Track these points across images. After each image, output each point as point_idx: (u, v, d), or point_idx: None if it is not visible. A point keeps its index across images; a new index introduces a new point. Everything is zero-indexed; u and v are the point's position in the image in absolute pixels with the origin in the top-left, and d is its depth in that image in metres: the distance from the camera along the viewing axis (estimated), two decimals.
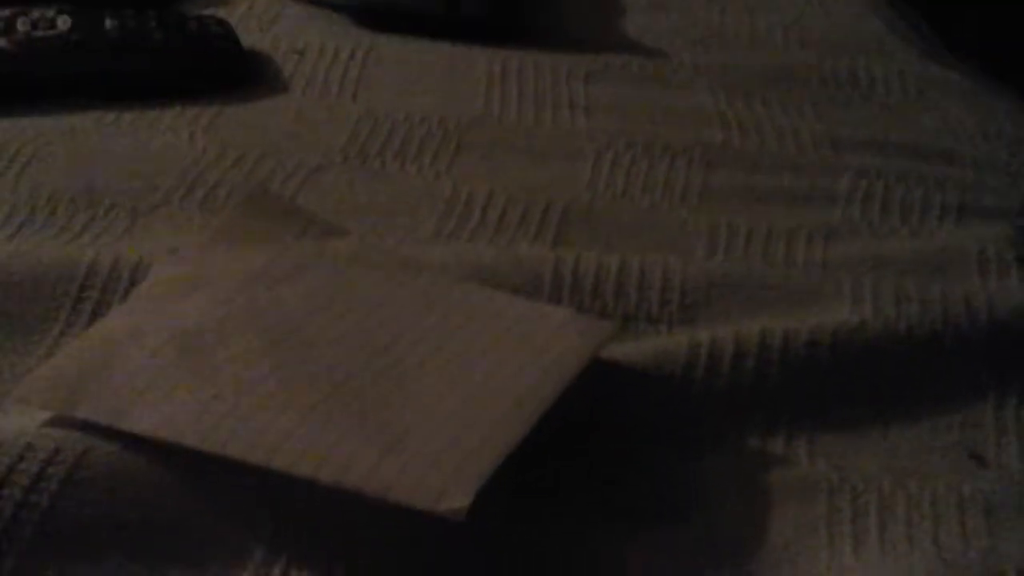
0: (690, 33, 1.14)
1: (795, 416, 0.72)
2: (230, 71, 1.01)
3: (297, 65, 1.04)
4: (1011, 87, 1.06)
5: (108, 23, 0.99)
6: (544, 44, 1.11)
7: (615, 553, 0.64)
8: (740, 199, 0.91)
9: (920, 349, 0.76)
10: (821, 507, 0.67)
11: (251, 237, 0.79)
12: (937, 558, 0.62)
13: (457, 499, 0.59)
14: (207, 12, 1.08)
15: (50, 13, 0.99)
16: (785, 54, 1.12)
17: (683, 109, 1.01)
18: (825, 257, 0.85)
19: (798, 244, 0.86)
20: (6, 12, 0.99)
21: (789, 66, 1.10)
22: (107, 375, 0.65)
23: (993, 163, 0.97)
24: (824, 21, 1.18)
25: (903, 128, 1.01)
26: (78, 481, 0.60)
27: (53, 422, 0.63)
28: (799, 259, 0.84)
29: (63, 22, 0.98)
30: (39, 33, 0.97)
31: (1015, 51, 1.10)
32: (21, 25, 0.98)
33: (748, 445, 0.71)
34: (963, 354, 0.76)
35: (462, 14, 1.12)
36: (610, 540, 0.65)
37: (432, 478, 0.60)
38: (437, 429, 0.64)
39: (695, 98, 1.03)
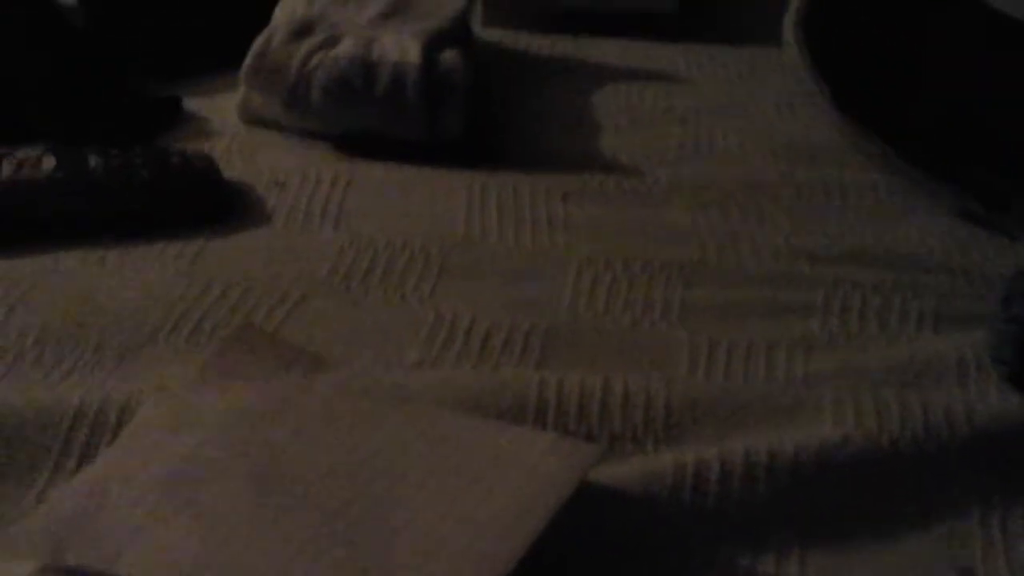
0: (663, 150, 1.16)
1: (784, 533, 0.73)
2: (213, 205, 1.02)
3: (279, 196, 1.05)
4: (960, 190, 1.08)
5: (93, 162, 1.00)
6: (520, 164, 1.13)
7: None
8: (719, 314, 0.92)
9: (903, 462, 0.77)
10: None
11: (237, 373, 0.79)
12: None
13: None
14: (190, 146, 1.10)
15: (35, 153, 1.00)
16: (757, 167, 1.14)
17: (659, 226, 1.03)
18: (806, 370, 0.86)
19: (778, 358, 0.87)
20: None
21: (762, 178, 1.11)
22: (96, 521, 0.65)
23: (966, 269, 0.98)
24: (793, 132, 1.20)
25: (877, 237, 1.03)
26: None
27: (44, 569, 0.63)
28: (780, 373, 0.85)
29: (48, 162, 1.00)
30: (25, 174, 0.99)
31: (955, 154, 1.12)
32: (7, 167, 0.99)
33: (738, 564, 0.71)
34: (946, 465, 0.77)
35: (440, 139, 1.14)
36: None
37: None
38: (427, 562, 0.64)
39: (671, 215, 1.05)
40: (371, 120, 1.14)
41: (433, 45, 1.17)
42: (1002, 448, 0.79)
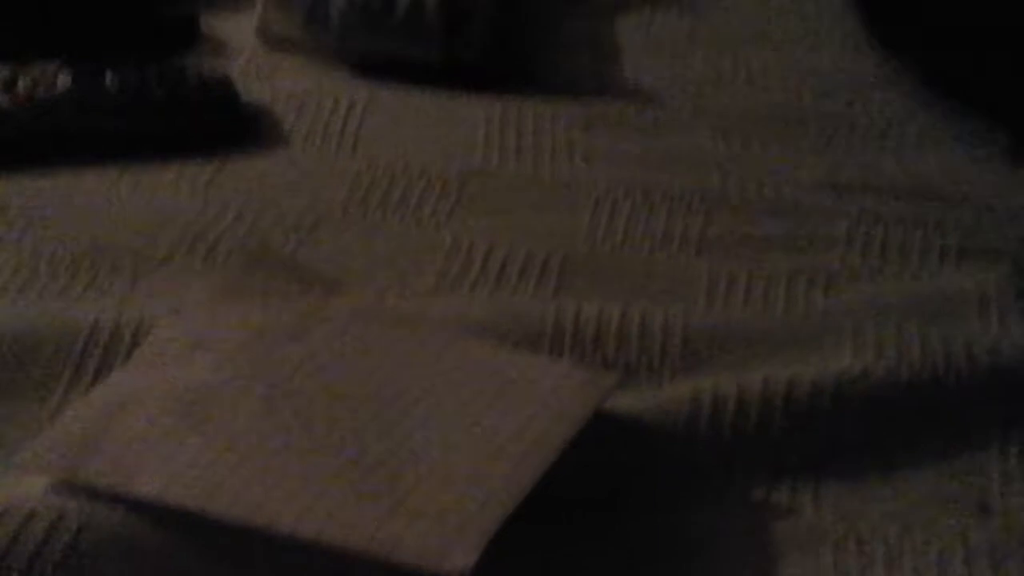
0: (686, 76, 1.14)
1: (800, 465, 0.72)
2: (230, 126, 1.01)
3: (296, 118, 1.04)
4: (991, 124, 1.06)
5: (109, 79, 0.99)
6: (542, 91, 1.11)
7: None
8: (739, 246, 0.91)
9: (923, 396, 0.76)
10: (827, 557, 0.67)
11: (252, 295, 0.79)
12: None
13: (461, 558, 0.59)
14: (207, 66, 1.08)
15: (51, 70, 0.99)
16: (782, 95, 1.12)
17: (681, 154, 1.01)
18: (826, 303, 0.85)
19: (798, 291, 0.86)
20: (7, 70, 0.99)
21: (787, 107, 1.10)
22: (109, 440, 0.65)
23: (991, 204, 0.97)
24: (819, 61, 1.18)
25: (901, 170, 1.01)
26: (82, 548, 0.60)
27: (56, 488, 0.63)
28: (799, 306, 0.85)
29: (64, 80, 0.98)
30: (40, 91, 0.98)
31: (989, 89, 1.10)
32: (22, 84, 0.98)
33: (753, 495, 0.70)
34: (966, 401, 0.76)
35: (459, 62, 1.12)
36: None
37: (436, 538, 0.60)
38: (440, 487, 0.64)
39: (693, 143, 1.03)
40: (390, 42, 1.13)
41: None
42: (1022, 383, 0.78)
